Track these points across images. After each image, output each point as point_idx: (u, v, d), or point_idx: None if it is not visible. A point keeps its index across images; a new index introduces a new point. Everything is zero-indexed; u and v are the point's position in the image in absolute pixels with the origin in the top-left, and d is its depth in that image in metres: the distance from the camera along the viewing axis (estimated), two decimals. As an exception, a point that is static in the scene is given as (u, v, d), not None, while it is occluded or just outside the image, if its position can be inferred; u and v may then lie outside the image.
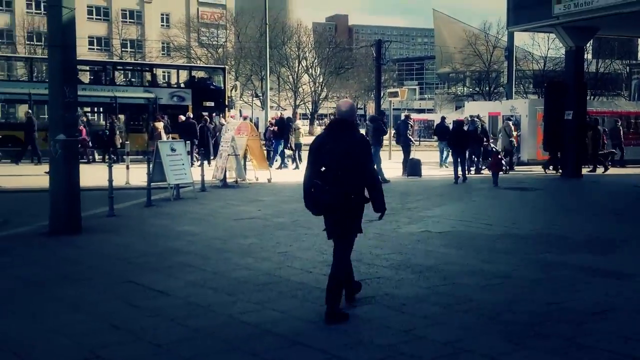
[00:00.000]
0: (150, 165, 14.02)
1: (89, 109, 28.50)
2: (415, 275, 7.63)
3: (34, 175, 17.89)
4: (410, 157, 21.85)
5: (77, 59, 35.85)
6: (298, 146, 25.96)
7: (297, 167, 24.25)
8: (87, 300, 6.49)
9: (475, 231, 10.83)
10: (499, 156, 20.38)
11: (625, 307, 6.47)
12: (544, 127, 23.32)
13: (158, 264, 8.15)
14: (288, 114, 38.15)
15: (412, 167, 21.27)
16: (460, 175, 19.29)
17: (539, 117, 25.36)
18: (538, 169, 24.58)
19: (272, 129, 27.32)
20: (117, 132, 25.09)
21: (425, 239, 10.06)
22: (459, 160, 19.54)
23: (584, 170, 22.47)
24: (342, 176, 5.80)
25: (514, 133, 24.78)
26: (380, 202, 6.08)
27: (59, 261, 8.34)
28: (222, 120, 26.57)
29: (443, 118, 26.10)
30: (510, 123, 24.81)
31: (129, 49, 70.38)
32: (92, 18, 73.07)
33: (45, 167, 11.10)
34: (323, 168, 5.88)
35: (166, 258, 8.46)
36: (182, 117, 24.87)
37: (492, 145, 22.87)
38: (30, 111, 23.75)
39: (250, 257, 8.57)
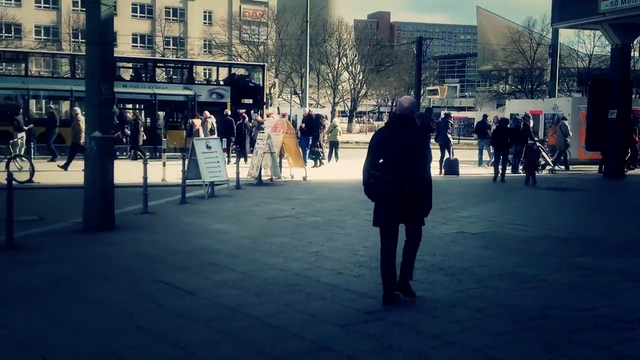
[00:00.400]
0: (186, 163, 14.04)
1: (130, 106, 28.78)
2: (448, 278, 7.45)
3: (75, 171, 18.11)
4: (448, 156, 21.57)
5: (119, 56, 36.39)
6: (335, 144, 25.84)
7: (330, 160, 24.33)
8: (114, 300, 6.47)
9: (511, 233, 10.58)
10: (536, 156, 19.96)
11: (667, 315, 6.20)
12: (587, 126, 22.78)
13: (187, 262, 8.13)
14: (318, 110, 37.98)
15: (449, 166, 20.99)
16: (500, 175, 19.03)
17: (582, 115, 24.79)
18: (581, 168, 24.04)
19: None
20: (141, 130, 25.02)
21: (459, 240, 9.85)
22: (500, 159, 19.31)
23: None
24: (402, 168, 6.24)
25: (570, 132, 24.09)
26: (429, 199, 6.57)
27: (90, 259, 8.36)
28: (259, 118, 26.61)
29: (485, 116, 25.71)
30: (566, 122, 24.19)
31: (171, 47, 71.11)
32: (136, 16, 74.08)
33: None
34: (381, 160, 6.33)
35: (196, 257, 8.43)
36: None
37: (538, 144, 22.37)
38: (52, 107, 23.95)
39: (281, 256, 8.48)
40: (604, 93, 21.12)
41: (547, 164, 22.29)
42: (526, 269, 7.99)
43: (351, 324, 5.74)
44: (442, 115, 23.74)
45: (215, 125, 24.53)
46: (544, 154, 22.14)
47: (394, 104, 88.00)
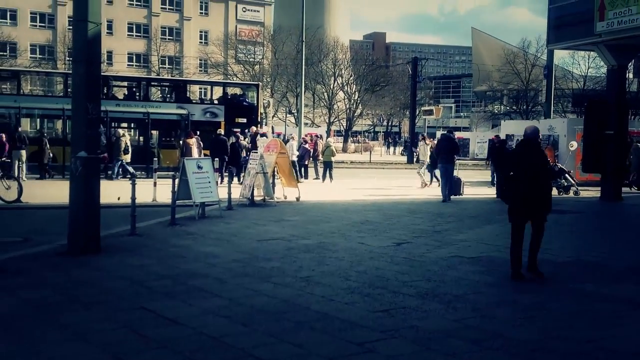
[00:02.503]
0: (176, 183, 13.77)
1: (125, 125, 28.56)
2: (443, 306, 7.16)
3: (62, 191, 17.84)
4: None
5: (113, 75, 36.22)
6: (329, 164, 25.61)
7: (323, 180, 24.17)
8: (94, 328, 6.17)
9: (507, 257, 10.29)
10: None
11: (673, 348, 5.93)
12: (583, 147, 22.60)
13: (174, 288, 7.83)
14: (314, 130, 37.80)
15: (452, 186, 20.68)
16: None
17: (578, 136, 24.64)
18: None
19: (305, 146, 27.13)
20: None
21: (455, 264, 9.57)
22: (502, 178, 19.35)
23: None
24: (533, 180, 8.37)
25: None
26: (549, 202, 8.60)
27: (72, 284, 8.05)
28: (253, 129, 26.10)
29: (503, 141, 25.17)
30: None
31: (167, 66, 71.12)
32: (132, 35, 74.24)
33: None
34: (515, 173, 8.53)
35: (183, 282, 8.13)
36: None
37: (559, 165, 22.29)
38: (43, 129, 23.42)
39: (270, 282, 8.18)
40: (600, 114, 20.95)
41: (571, 185, 22.10)
42: (525, 297, 7.72)
43: (341, 356, 5.46)
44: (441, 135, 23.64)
45: (201, 144, 24.46)
46: (567, 175, 22.01)
47: (390, 123, 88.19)
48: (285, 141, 24.34)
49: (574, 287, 8.26)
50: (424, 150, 24.33)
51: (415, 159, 27.30)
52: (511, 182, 8.55)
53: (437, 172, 22.03)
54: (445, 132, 21.85)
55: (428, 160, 24.05)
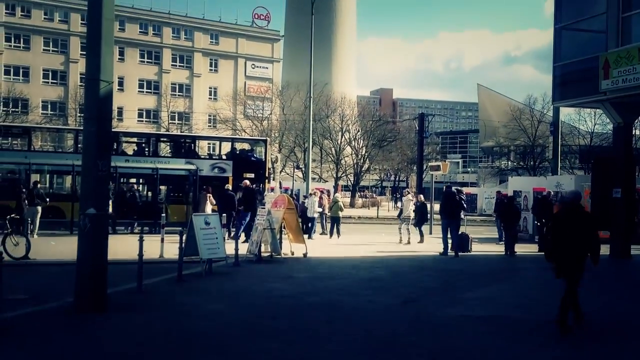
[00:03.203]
0: (184, 238, 13.76)
1: (134, 180, 28.74)
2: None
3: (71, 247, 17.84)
4: (460, 232, 21.20)
5: (123, 131, 36.45)
6: (336, 220, 25.56)
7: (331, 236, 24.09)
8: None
9: (518, 316, 10.18)
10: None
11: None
12: (591, 205, 22.53)
13: (177, 350, 7.74)
14: (321, 185, 37.71)
15: (460, 243, 20.58)
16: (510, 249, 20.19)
17: (586, 193, 24.58)
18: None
19: (303, 201, 27.16)
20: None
21: (463, 324, 9.46)
22: (509, 234, 20.56)
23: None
24: (577, 240, 8.87)
25: None
26: (597, 257, 9.09)
27: (74, 346, 7.96)
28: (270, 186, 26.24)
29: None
30: None
31: (176, 121, 71.89)
32: (143, 91, 75.27)
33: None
34: (558, 235, 8.97)
35: (188, 341, 8.05)
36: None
37: None
38: (21, 186, 22.32)
39: (276, 342, 8.09)
40: (608, 171, 20.96)
41: None
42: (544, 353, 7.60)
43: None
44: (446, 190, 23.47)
45: (213, 201, 24.53)
46: None
47: (397, 178, 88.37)
48: (302, 196, 24.37)
49: (586, 350, 8.14)
50: (408, 205, 24.25)
51: (398, 214, 26.46)
52: (557, 246, 8.91)
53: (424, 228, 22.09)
54: (448, 187, 21.78)
55: (412, 215, 23.97)
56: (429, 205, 27.47)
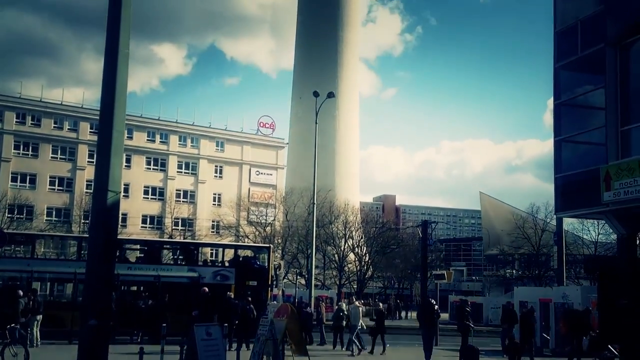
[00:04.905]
0: (184, 350, 13.50)
1: (135, 288, 28.56)
2: None
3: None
4: (468, 344, 20.89)
5: (126, 238, 36.65)
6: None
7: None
8: None
9: None
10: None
11: None
12: (599, 317, 22.20)
13: None
14: (324, 293, 37.15)
15: (468, 356, 20.09)
16: None
17: (593, 305, 24.26)
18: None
19: (307, 310, 26.88)
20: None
21: None
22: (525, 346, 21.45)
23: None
24: None
25: None
26: None
27: None
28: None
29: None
30: None
31: (179, 227, 72.06)
32: (148, 197, 75.87)
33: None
34: None
35: None
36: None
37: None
38: (20, 291, 21.91)
39: None
40: (613, 283, 20.77)
41: (614, 356, 21.56)
42: None
43: None
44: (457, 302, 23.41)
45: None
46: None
47: (401, 286, 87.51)
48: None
49: None
50: (357, 313, 23.85)
51: (344, 323, 25.05)
52: None
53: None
54: (426, 298, 22.13)
55: (360, 323, 23.58)
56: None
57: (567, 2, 22.71)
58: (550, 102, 23.42)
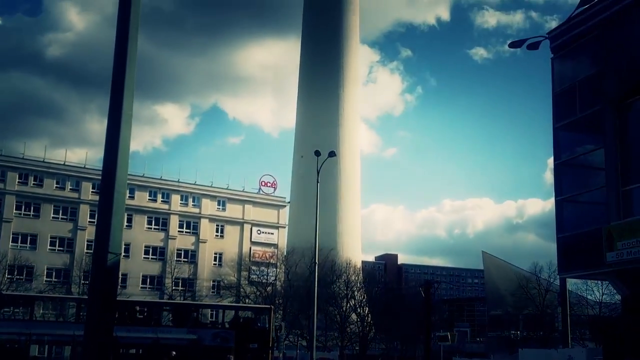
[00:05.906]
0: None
1: (134, 350, 28.17)
2: None
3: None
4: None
5: (125, 300, 36.40)
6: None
7: None
8: None
9: None
10: None
11: None
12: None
13: None
14: (325, 355, 36.45)
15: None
16: None
17: (600, 367, 23.86)
18: None
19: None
20: None
21: None
22: None
23: None
24: None
25: None
26: None
27: None
28: None
29: None
30: None
31: (180, 287, 71.36)
32: (148, 257, 75.33)
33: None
34: None
35: None
36: None
37: None
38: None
39: None
40: (619, 345, 20.46)
41: None
42: None
43: None
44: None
45: None
46: None
47: (404, 347, 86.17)
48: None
49: None
50: None
51: None
52: None
53: None
54: None
55: None
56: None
57: (565, 64, 23.04)
58: (551, 161, 23.51)
